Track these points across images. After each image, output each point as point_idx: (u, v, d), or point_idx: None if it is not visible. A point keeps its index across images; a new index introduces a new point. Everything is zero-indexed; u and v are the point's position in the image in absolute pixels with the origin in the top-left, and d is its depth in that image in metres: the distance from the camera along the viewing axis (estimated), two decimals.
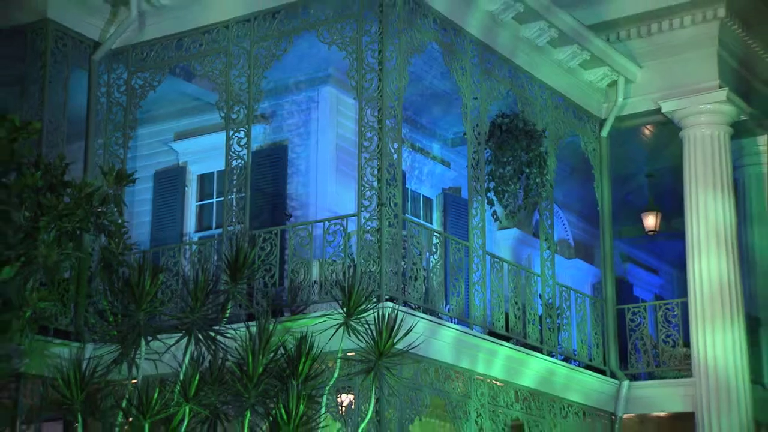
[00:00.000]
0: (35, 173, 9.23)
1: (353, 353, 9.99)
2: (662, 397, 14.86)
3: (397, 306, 10.88)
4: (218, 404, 9.51)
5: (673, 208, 15.97)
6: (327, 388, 9.73)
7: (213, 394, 9.44)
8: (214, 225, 14.13)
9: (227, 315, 10.19)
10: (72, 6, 13.15)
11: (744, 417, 14.14)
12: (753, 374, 14.80)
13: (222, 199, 13.02)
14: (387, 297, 11.08)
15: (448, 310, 12.46)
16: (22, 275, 8.47)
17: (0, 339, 7.78)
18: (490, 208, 14.07)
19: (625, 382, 14.88)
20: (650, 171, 17.32)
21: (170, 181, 14.92)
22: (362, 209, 11.50)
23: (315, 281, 11.83)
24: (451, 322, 12.34)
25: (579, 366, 14.45)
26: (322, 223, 12.10)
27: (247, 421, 9.41)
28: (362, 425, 10.15)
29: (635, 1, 15.16)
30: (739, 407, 14.14)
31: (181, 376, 9.40)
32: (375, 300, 10.71)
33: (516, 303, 13.50)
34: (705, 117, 15.01)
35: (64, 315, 11.30)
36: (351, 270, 11.28)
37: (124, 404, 9.50)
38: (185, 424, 9.23)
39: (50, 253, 8.92)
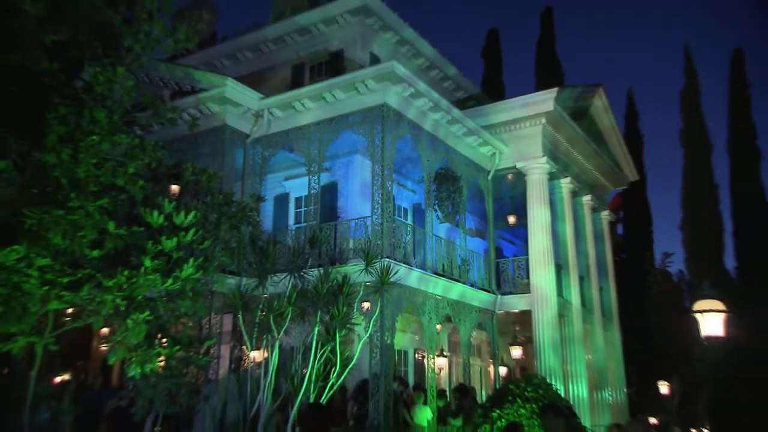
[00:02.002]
0: (218, 197, 9.31)
1: (369, 283, 10.06)
2: (516, 302, 14.79)
3: (390, 260, 10.99)
4: (305, 307, 9.57)
5: (522, 213, 15.95)
6: (357, 299, 9.79)
7: (302, 302, 9.52)
8: (302, 221, 14.11)
9: (309, 264, 10.24)
10: (237, 118, 13.19)
11: (553, 312, 14.20)
12: (558, 291, 14.84)
13: (306, 209, 13.03)
14: (386, 256, 11.13)
15: (415, 263, 12.46)
16: (213, 245, 8.47)
17: (204, 275, 7.82)
18: (435, 213, 14.04)
19: (499, 296, 14.85)
20: (511, 195, 17.28)
21: (282, 200, 14.91)
22: (373, 213, 11.53)
23: (351, 248, 11.86)
24: (417, 268, 12.34)
25: (478, 289, 14.41)
26: (354, 221, 12.15)
27: (318, 315, 9.47)
28: (374, 317, 10.27)
29: (504, 114, 15.09)
30: (551, 307, 14.22)
31: (287, 294, 9.49)
32: (380, 257, 10.83)
33: (448, 258, 13.51)
34: (536, 170, 14.98)
35: (232, 264, 11.38)
36: (368, 243, 11.31)
37: (260, 307, 9.57)
38: (289, 316, 9.33)
39: (226, 235, 8.99)
